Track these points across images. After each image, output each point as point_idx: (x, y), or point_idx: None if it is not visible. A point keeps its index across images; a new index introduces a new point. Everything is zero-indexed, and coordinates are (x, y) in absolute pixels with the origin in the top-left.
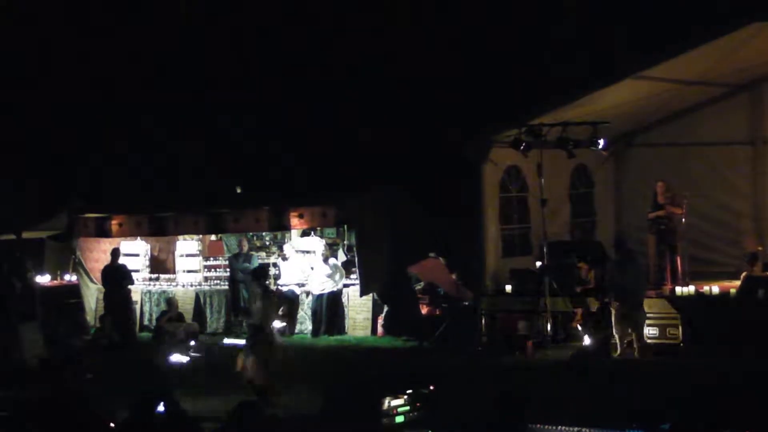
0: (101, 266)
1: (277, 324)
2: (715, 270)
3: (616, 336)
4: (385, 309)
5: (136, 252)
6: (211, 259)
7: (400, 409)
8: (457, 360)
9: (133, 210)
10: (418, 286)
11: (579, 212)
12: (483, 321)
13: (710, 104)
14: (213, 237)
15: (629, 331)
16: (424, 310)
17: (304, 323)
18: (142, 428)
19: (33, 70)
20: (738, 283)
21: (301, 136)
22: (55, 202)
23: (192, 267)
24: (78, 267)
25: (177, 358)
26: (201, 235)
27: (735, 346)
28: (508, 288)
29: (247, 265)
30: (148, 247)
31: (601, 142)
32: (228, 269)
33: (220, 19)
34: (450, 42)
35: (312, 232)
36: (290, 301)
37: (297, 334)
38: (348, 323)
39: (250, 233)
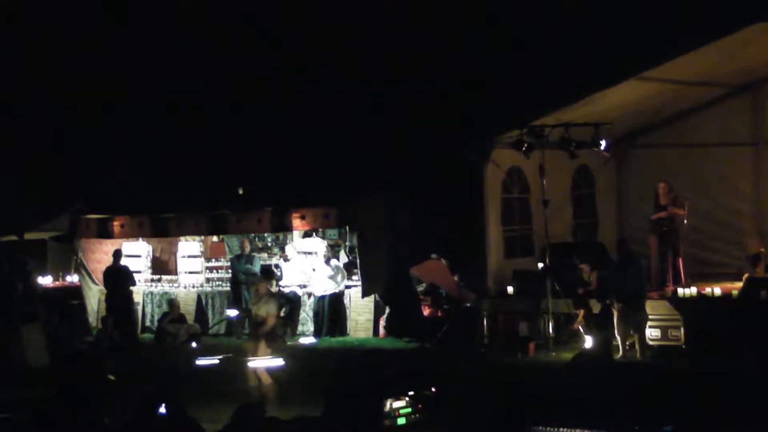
0: (103, 267)
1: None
2: (717, 271)
3: (618, 337)
4: (387, 310)
5: (138, 253)
6: (213, 260)
7: (401, 411)
8: (459, 361)
9: (135, 211)
10: (420, 288)
11: (581, 213)
12: (485, 322)
13: (712, 105)
14: (215, 238)
15: (631, 332)
16: (426, 312)
17: (306, 324)
18: (144, 430)
19: (35, 70)
20: (740, 284)
21: (303, 137)
22: (57, 204)
23: (194, 268)
24: (80, 268)
25: (206, 360)
26: (203, 237)
27: (737, 347)
28: (510, 289)
29: (249, 266)
30: (150, 248)
31: (603, 143)
32: (230, 270)
33: (221, 19)
34: (451, 43)
35: (314, 234)
36: (292, 303)
37: (299, 335)
38: (350, 324)
39: (252, 234)
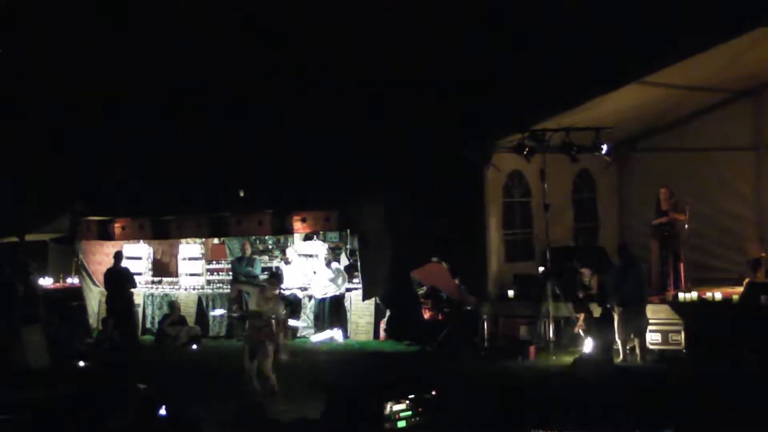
0: (104, 269)
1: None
2: (717, 276)
3: (619, 341)
4: (388, 313)
5: (138, 255)
6: (214, 262)
7: (402, 414)
8: (459, 365)
9: (136, 213)
10: (421, 291)
11: (582, 217)
12: (485, 326)
13: (714, 110)
14: (216, 240)
15: (632, 336)
16: (426, 315)
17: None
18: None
19: (35, 70)
20: (741, 289)
21: (304, 138)
22: (58, 205)
23: (195, 270)
24: (81, 270)
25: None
26: (204, 239)
27: (737, 352)
28: (511, 293)
29: (250, 268)
30: (151, 250)
31: (605, 147)
32: (231, 273)
33: (222, 20)
34: (452, 46)
35: (315, 236)
36: (293, 305)
37: (299, 337)
38: (350, 327)
39: (253, 237)
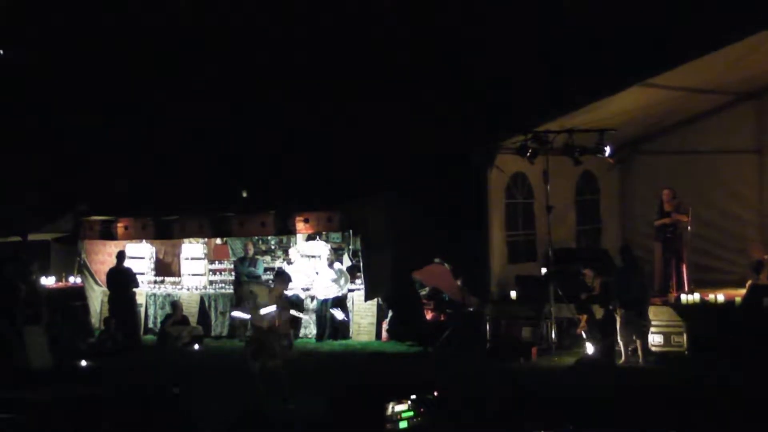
0: (106, 269)
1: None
2: (720, 278)
3: (621, 343)
4: (390, 314)
5: (141, 255)
6: (217, 262)
7: (404, 415)
8: (461, 366)
9: (139, 213)
10: (423, 292)
11: (585, 219)
12: (488, 327)
13: (717, 112)
14: (218, 240)
15: (634, 338)
16: (428, 316)
17: (309, 328)
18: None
19: (37, 70)
20: (743, 291)
21: (308, 140)
22: (60, 205)
23: (197, 270)
24: (83, 269)
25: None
26: (206, 239)
27: (739, 354)
28: (513, 294)
29: (253, 269)
30: (154, 250)
31: (608, 149)
32: (233, 273)
33: (225, 19)
34: (457, 47)
35: (317, 237)
36: (295, 306)
37: (301, 338)
38: (353, 328)
39: (256, 237)
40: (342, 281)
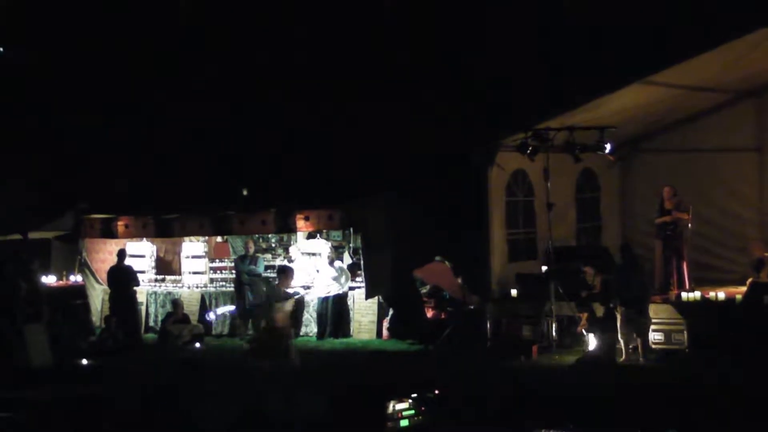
0: (107, 267)
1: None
2: (720, 276)
3: (622, 341)
4: (391, 312)
5: (142, 253)
6: (217, 260)
7: (404, 413)
8: (462, 364)
9: (140, 211)
10: (424, 290)
11: (585, 217)
12: (488, 325)
13: (717, 110)
14: (219, 239)
15: (634, 336)
16: (429, 314)
17: (309, 326)
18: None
19: (38, 69)
20: (744, 289)
21: (308, 138)
22: (61, 203)
23: (198, 268)
24: (84, 268)
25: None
26: (207, 237)
27: (740, 352)
28: (514, 292)
29: (253, 267)
30: (154, 248)
31: (608, 146)
32: (234, 271)
33: (226, 19)
34: (457, 44)
35: (318, 235)
36: (296, 304)
37: (302, 336)
38: (353, 326)
39: (256, 235)
40: (342, 279)
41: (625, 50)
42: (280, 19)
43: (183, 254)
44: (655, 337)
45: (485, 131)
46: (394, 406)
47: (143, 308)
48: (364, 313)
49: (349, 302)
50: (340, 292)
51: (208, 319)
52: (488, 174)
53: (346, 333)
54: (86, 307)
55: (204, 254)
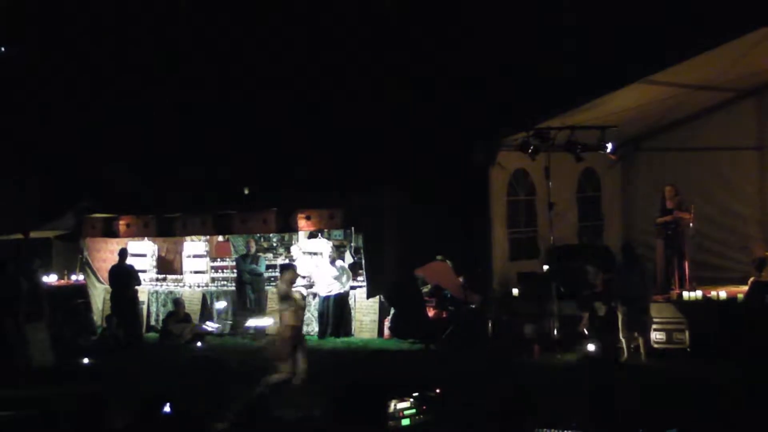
0: (108, 266)
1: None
2: (722, 275)
3: (623, 340)
4: (392, 311)
5: (143, 252)
6: (218, 260)
7: (406, 412)
8: (463, 363)
9: (141, 210)
10: (425, 289)
11: (586, 216)
12: (490, 324)
13: (718, 109)
14: (220, 238)
15: (636, 335)
16: (430, 313)
17: (311, 325)
18: (148, 429)
19: (41, 67)
20: (745, 288)
21: (310, 137)
22: (62, 202)
23: (199, 268)
24: (85, 267)
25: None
26: (208, 236)
27: (742, 351)
28: (515, 291)
29: (254, 266)
30: (156, 247)
31: (609, 145)
32: (235, 270)
33: (228, 19)
34: (458, 44)
35: (319, 234)
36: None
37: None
38: (354, 325)
39: (258, 234)
40: (344, 278)
41: (626, 49)
42: (282, 17)
43: (184, 253)
44: (656, 336)
45: (487, 130)
46: (395, 405)
47: (144, 307)
48: (366, 313)
49: (351, 301)
50: (342, 291)
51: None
52: (490, 173)
53: (348, 332)
54: (87, 306)
55: (205, 253)
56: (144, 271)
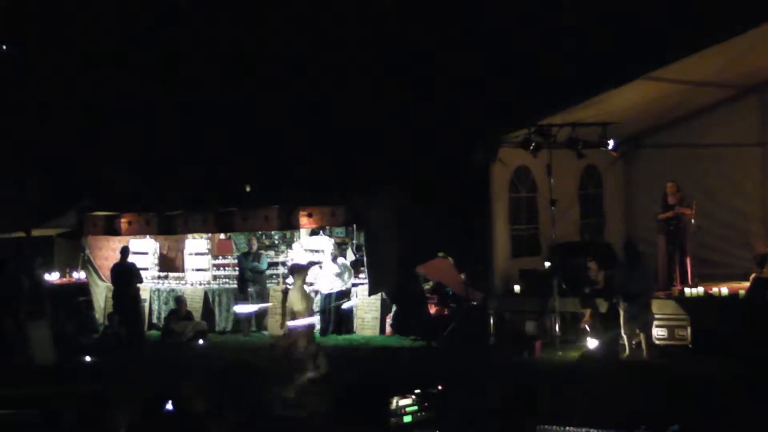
0: (110, 264)
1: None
2: (724, 272)
3: (625, 337)
4: (394, 308)
5: (145, 250)
6: (220, 257)
7: (408, 409)
8: (465, 360)
9: (143, 208)
10: (427, 286)
11: (588, 213)
12: (491, 321)
13: (720, 106)
14: (222, 235)
15: (637, 332)
16: (432, 310)
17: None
18: (150, 428)
19: (42, 66)
20: (747, 284)
21: (311, 135)
22: (64, 200)
23: (201, 265)
24: (87, 265)
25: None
26: (210, 234)
27: (744, 347)
28: (517, 288)
29: (257, 264)
30: (157, 245)
31: (611, 142)
32: (237, 268)
33: (228, 18)
34: (460, 42)
35: (321, 232)
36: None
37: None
38: (356, 322)
39: (260, 232)
40: (346, 276)
41: (628, 46)
42: (284, 17)
43: (186, 251)
44: (658, 332)
45: (488, 127)
46: (397, 402)
47: (146, 305)
48: (367, 310)
49: (353, 298)
50: (343, 288)
51: (241, 313)
52: (491, 170)
53: (349, 329)
54: (89, 304)
55: (207, 251)
56: (146, 269)
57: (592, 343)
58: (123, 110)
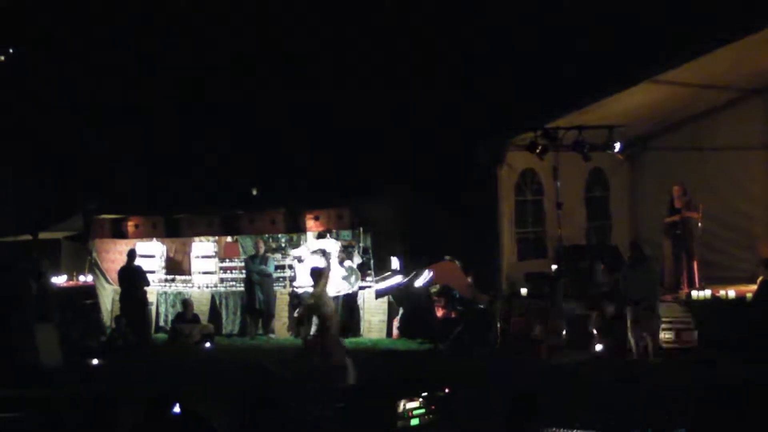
0: (117, 267)
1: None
2: (730, 275)
3: (631, 340)
4: (401, 311)
5: (152, 253)
6: (227, 260)
7: (415, 412)
8: (471, 363)
9: (150, 211)
10: (434, 289)
11: (594, 216)
12: (498, 324)
13: (726, 108)
14: (229, 238)
15: (644, 335)
16: (439, 313)
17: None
18: (155, 430)
19: (50, 69)
20: (754, 287)
21: (318, 138)
22: (71, 203)
23: (208, 268)
24: (94, 268)
25: None
26: (217, 237)
27: (751, 350)
28: (524, 291)
29: (263, 266)
30: (164, 248)
31: (617, 145)
32: (244, 271)
33: (230, 20)
34: (467, 44)
35: (327, 234)
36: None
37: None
38: (363, 325)
39: (266, 235)
40: (352, 278)
41: (633, 49)
42: (288, 17)
43: (193, 254)
44: (665, 335)
45: (494, 130)
46: (404, 405)
47: (153, 308)
48: (374, 313)
49: (359, 301)
50: (350, 291)
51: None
52: (497, 173)
53: (356, 332)
54: (96, 307)
55: (214, 254)
56: (153, 272)
57: (598, 346)
58: (129, 113)
